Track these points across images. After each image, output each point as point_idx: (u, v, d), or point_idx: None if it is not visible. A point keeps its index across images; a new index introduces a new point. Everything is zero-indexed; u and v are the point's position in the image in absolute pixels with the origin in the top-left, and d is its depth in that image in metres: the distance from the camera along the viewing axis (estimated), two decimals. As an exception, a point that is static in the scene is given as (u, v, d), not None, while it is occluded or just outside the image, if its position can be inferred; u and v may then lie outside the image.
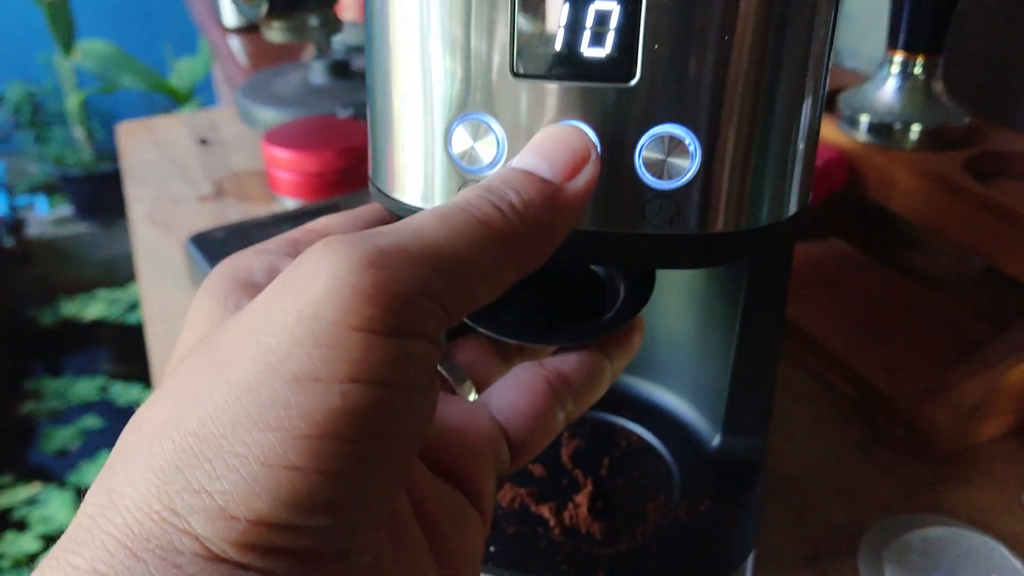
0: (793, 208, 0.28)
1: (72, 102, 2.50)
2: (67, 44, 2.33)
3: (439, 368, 0.28)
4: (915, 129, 0.55)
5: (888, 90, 0.56)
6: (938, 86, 0.55)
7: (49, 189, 2.69)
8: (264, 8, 0.45)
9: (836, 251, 0.64)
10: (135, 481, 0.18)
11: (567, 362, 0.29)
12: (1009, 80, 0.63)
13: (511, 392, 0.28)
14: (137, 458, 0.18)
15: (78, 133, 2.56)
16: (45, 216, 2.62)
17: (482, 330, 0.29)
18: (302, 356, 0.18)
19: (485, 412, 0.27)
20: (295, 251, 0.26)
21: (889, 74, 0.56)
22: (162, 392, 0.19)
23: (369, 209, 0.29)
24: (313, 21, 0.48)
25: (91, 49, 2.45)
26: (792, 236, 0.36)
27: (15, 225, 2.48)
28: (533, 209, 0.22)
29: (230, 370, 0.18)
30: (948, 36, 0.54)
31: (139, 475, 0.18)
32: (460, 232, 0.21)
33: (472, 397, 0.29)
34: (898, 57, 0.55)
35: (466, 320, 0.28)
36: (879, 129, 0.56)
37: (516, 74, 0.25)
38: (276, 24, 0.48)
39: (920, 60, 0.55)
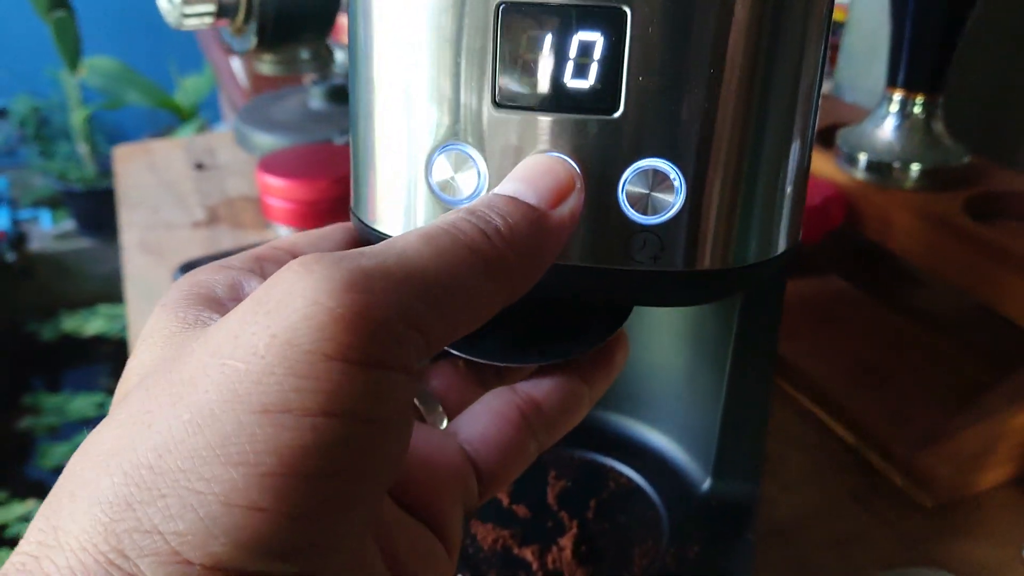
0: (782, 246, 0.27)
1: (77, 117, 2.51)
2: (73, 60, 2.34)
3: None
4: (914, 168, 0.54)
5: (887, 128, 0.55)
6: (938, 125, 0.55)
7: (52, 203, 2.69)
8: (253, 41, 0.45)
9: (833, 288, 0.63)
10: (80, 517, 0.16)
11: (540, 388, 0.28)
12: (1010, 119, 0.62)
13: (480, 421, 0.27)
14: (84, 490, 0.16)
15: (82, 148, 2.57)
16: (48, 230, 2.62)
17: (455, 352, 0.28)
18: (273, 385, 0.16)
19: (453, 442, 0.26)
20: (259, 267, 0.24)
21: (888, 112, 0.55)
22: (115, 416, 0.18)
23: (338, 228, 0.28)
24: (304, 54, 0.48)
25: (97, 65, 2.46)
26: (785, 272, 0.36)
27: (17, 239, 2.48)
28: (519, 234, 0.21)
29: (191, 396, 0.17)
30: (948, 75, 0.54)
31: (85, 510, 0.16)
32: (445, 256, 0.20)
33: (443, 425, 0.27)
34: (897, 96, 0.55)
35: None
36: (878, 168, 0.55)
37: (498, 104, 0.25)
38: (266, 57, 0.47)
39: (920, 99, 0.54)
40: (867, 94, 0.71)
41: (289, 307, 0.17)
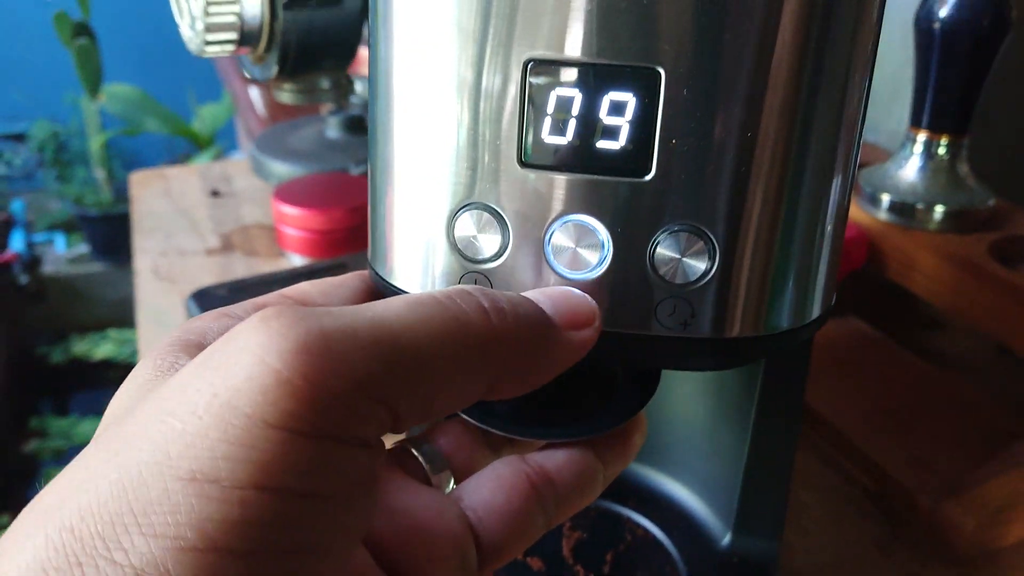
0: (816, 311, 0.26)
1: (95, 143, 2.54)
2: (93, 86, 2.36)
3: (416, 452, 0.26)
4: (938, 210, 0.53)
5: (911, 169, 0.55)
6: (963, 167, 0.54)
7: (68, 227, 2.71)
8: (274, 69, 0.45)
9: (853, 330, 0.62)
10: None
11: (554, 460, 0.26)
12: (1035, 162, 0.62)
13: (487, 488, 0.25)
14: (11, 550, 0.15)
15: (99, 174, 2.59)
16: (61, 254, 2.64)
17: (466, 417, 0.27)
18: (204, 450, 0.15)
19: (455, 508, 0.24)
20: None
21: (912, 153, 0.55)
22: (66, 469, 0.17)
23: (355, 276, 0.27)
24: (324, 83, 0.48)
25: (116, 92, 2.49)
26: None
27: (31, 262, 2.49)
28: (525, 323, 0.20)
29: (126, 454, 0.16)
30: (973, 116, 0.53)
31: (5, 573, 0.15)
32: (427, 324, 0.18)
33: (449, 489, 0.26)
34: (921, 136, 0.54)
35: None
36: (901, 209, 0.54)
37: (524, 164, 0.24)
38: (287, 86, 0.47)
39: (944, 140, 0.53)
40: (888, 136, 0.71)
41: (236, 365, 0.16)
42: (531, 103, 0.23)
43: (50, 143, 2.62)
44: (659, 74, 0.22)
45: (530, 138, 0.24)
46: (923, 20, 0.52)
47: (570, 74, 0.23)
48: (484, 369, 0.19)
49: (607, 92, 0.23)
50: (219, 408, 0.16)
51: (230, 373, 0.16)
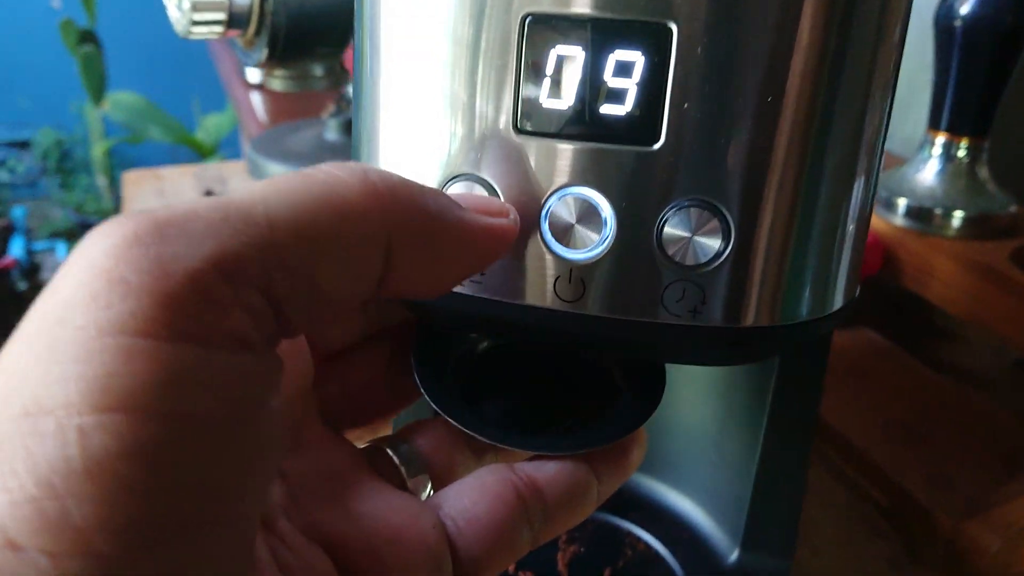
0: (839, 301, 0.24)
1: (97, 150, 2.53)
2: (97, 94, 2.36)
3: (391, 453, 0.24)
4: (957, 215, 0.51)
5: (929, 173, 0.52)
6: (983, 171, 0.52)
7: (69, 236, 2.70)
8: (264, 53, 0.43)
9: (866, 341, 0.60)
10: None
11: (544, 471, 0.23)
12: (1057, 169, 0.59)
13: (468, 496, 0.22)
14: None
15: (101, 181, 2.58)
16: (62, 261, 2.62)
17: (446, 417, 0.24)
18: (35, 378, 0.13)
19: (431, 516, 0.22)
20: None
21: (930, 156, 0.52)
22: None
23: None
24: (317, 70, 0.46)
25: (120, 100, 2.49)
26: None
27: (30, 269, 2.48)
28: (417, 188, 0.18)
29: None
30: (994, 118, 0.51)
31: None
32: (288, 192, 0.15)
33: (426, 494, 0.24)
34: (940, 139, 0.52)
35: (431, 403, 0.24)
36: (918, 214, 0.52)
37: (520, 131, 0.22)
38: (278, 72, 0.45)
39: (964, 143, 0.51)
40: (903, 142, 0.68)
41: (66, 278, 0.14)
42: (528, 63, 0.21)
43: (54, 150, 2.61)
44: (670, 30, 0.20)
45: (526, 102, 0.22)
46: (943, 18, 0.50)
47: (572, 30, 0.21)
48: (368, 235, 0.17)
49: (613, 51, 0.21)
50: (49, 328, 0.13)
51: (59, 288, 0.14)
